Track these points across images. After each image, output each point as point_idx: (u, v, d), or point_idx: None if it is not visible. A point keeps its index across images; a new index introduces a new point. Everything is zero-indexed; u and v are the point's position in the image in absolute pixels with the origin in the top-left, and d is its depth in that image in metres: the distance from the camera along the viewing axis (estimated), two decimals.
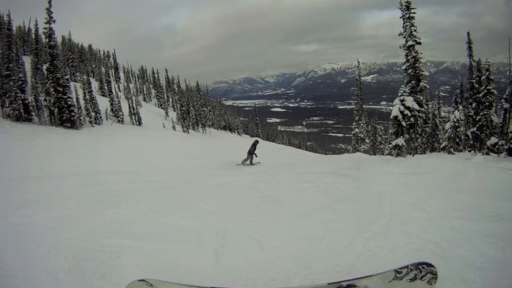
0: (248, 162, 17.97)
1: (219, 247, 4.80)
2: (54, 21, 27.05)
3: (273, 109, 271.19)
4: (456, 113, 18.20)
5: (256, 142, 19.04)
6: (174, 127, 42.94)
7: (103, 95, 41.67)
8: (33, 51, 29.63)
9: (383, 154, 31.21)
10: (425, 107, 20.45)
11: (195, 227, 5.65)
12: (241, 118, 75.75)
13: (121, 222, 5.95)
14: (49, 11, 26.57)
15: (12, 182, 9.43)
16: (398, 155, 18.30)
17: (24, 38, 42.31)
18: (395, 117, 18.20)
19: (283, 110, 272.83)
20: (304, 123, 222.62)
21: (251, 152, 18.18)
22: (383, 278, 3.21)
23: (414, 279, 3.17)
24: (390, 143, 23.00)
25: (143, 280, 3.23)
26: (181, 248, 4.74)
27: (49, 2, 26.29)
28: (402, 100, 17.96)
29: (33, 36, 31.59)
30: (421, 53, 18.55)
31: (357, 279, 3.23)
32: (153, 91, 65.27)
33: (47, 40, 27.25)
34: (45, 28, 27.04)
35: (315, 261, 4.24)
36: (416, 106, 17.94)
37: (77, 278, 3.93)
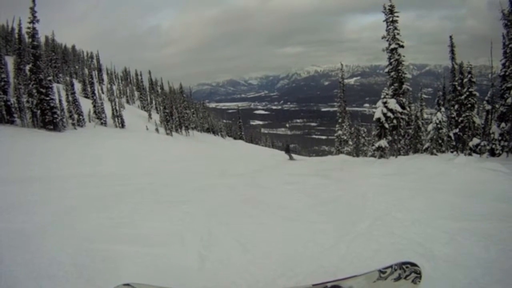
0: (290, 159, 24.67)
1: (203, 250, 4.76)
2: (37, 21, 26.69)
3: (257, 112, 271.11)
4: (439, 114, 18.40)
5: (288, 146, 27.79)
6: (157, 130, 42.75)
7: (86, 97, 41.24)
8: (16, 51, 29.13)
9: (366, 156, 31.51)
10: (408, 109, 20.67)
11: (179, 230, 5.59)
12: (224, 121, 76.06)
13: (105, 226, 5.86)
14: (32, 11, 26.22)
15: None
16: (381, 156, 18.45)
17: (7, 38, 41.61)
18: (378, 119, 18.33)
19: (267, 112, 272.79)
20: (287, 125, 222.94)
21: (288, 151, 26.13)
22: (368, 278, 3.21)
23: (398, 278, 3.18)
24: (373, 145, 23.13)
25: (127, 285, 3.18)
26: (165, 252, 4.68)
27: (33, 1, 25.96)
28: (385, 103, 18.10)
29: (16, 35, 31.02)
30: (404, 56, 18.75)
31: (342, 279, 3.22)
32: (136, 93, 64.84)
33: (30, 40, 26.85)
34: (29, 28, 26.68)
35: (300, 262, 4.23)
36: (399, 108, 18.10)
37: (61, 283, 3.84)
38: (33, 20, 26.52)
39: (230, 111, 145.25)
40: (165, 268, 4.22)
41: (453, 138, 18.97)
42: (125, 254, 4.55)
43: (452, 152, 17.67)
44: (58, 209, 6.92)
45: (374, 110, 19.48)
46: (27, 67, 26.38)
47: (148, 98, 62.86)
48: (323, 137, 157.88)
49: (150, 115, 49.74)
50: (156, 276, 3.96)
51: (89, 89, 43.46)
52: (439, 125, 18.24)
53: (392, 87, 18.77)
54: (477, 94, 18.71)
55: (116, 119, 37.99)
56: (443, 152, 18.22)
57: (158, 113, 52.73)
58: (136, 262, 4.34)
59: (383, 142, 18.34)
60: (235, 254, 4.64)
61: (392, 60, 18.77)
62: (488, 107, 16.46)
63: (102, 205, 7.45)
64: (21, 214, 6.35)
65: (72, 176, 12.03)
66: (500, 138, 14.94)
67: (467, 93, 18.67)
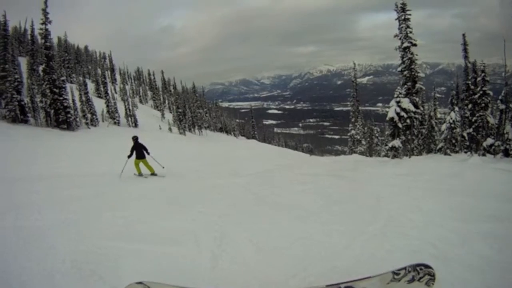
0: None
1: (216, 249, 4.78)
2: (50, 22, 27.07)
3: (269, 111, 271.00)
4: (452, 114, 18.24)
5: None
6: (170, 129, 43.04)
7: (99, 96, 41.66)
8: (29, 52, 29.65)
9: (379, 156, 31.26)
10: (421, 108, 20.49)
11: (192, 229, 5.62)
12: (237, 120, 76.23)
13: (119, 224, 5.93)
14: (45, 12, 26.57)
15: (8, 184, 9.40)
16: (394, 156, 18.29)
17: (20, 39, 42.11)
18: (391, 119, 18.18)
19: (279, 111, 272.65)
20: (300, 124, 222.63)
21: None
22: (381, 280, 3.20)
23: (412, 280, 3.16)
24: (386, 145, 22.97)
25: (140, 283, 3.21)
26: (178, 251, 4.72)
27: (45, 3, 26.34)
28: (398, 102, 17.95)
29: (29, 37, 31.59)
30: (416, 55, 18.55)
31: (355, 281, 3.22)
32: (149, 93, 65.30)
33: (43, 41, 27.26)
34: (41, 29, 27.07)
35: (313, 263, 4.23)
36: (412, 108, 17.93)
37: (74, 280, 3.91)
38: (46, 21, 26.87)
39: (243, 110, 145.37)
40: (179, 267, 4.26)
41: (467, 138, 18.79)
42: (139, 253, 4.60)
43: (466, 152, 17.50)
44: (72, 207, 7.00)
45: (387, 109, 19.32)
46: (40, 68, 26.78)
47: (161, 98, 63.26)
48: (336, 137, 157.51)
49: (163, 114, 50.10)
50: (169, 275, 3.99)
51: (102, 89, 43.88)
52: (452, 125, 18.09)
53: (405, 86, 18.58)
54: (491, 93, 18.48)
55: (129, 119, 38.33)
56: (457, 152, 18.06)
57: (171, 112, 53.10)
58: (149, 261, 4.39)
59: (396, 142, 18.18)
60: (248, 253, 4.65)
61: (405, 59, 18.59)
62: (502, 106, 16.24)
63: (116, 203, 7.53)
64: (34, 212, 6.43)
65: (87, 174, 12.15)
66: None
67: (481, 92, 18.46)
